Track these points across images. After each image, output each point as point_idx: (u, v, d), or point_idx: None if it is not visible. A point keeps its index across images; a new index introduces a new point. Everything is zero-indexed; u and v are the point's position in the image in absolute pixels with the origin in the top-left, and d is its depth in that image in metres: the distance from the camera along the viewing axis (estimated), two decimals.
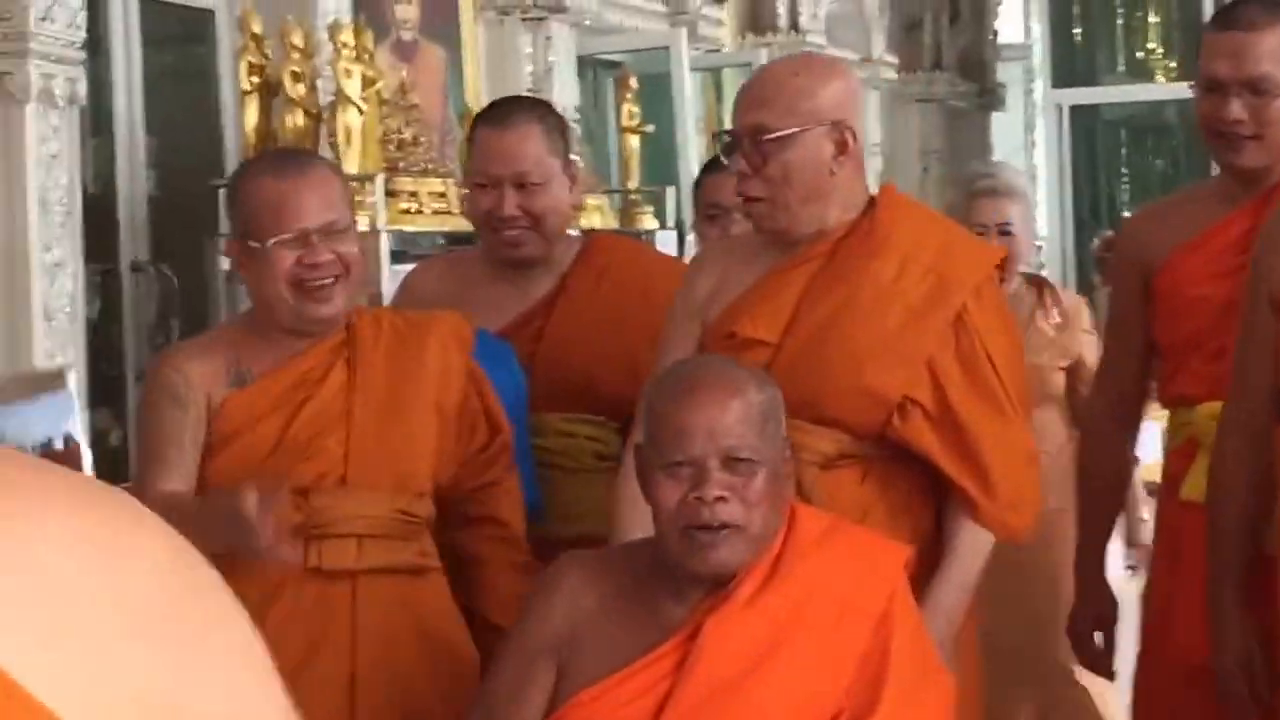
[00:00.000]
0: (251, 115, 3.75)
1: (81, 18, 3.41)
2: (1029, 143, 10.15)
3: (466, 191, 2.83)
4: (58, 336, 3.45)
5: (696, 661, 1.93)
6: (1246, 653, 2.19)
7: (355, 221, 2.41)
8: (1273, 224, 2.25)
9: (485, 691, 2.13)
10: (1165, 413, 2.59)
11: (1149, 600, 2.45)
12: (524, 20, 5.04)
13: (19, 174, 3.37)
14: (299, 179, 2.21)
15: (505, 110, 2.74)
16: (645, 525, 2.05)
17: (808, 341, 2.25)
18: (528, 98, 3.44)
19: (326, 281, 2.17)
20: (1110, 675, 2.57)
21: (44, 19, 3.31)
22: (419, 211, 4.06)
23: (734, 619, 1.95)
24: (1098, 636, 2.53)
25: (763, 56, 5.94)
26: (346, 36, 3.85)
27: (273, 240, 2.13)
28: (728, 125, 2.51)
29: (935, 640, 2.17)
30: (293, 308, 2.18)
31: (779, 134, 2.17)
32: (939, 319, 2.22)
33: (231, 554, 1.76)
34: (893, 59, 8.07)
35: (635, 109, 5.15)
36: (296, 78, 3.75)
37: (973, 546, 2.24)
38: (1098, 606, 2.50)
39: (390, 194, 3.87)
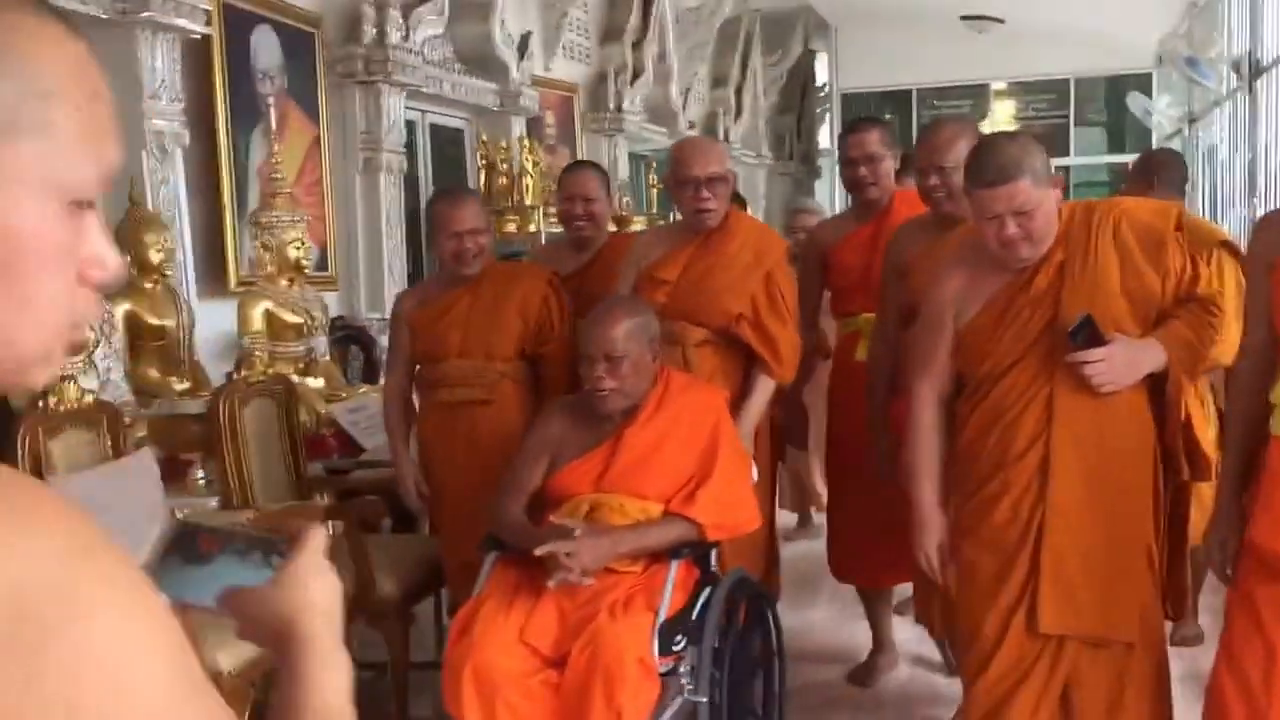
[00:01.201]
0: (481, 178, 7.69)
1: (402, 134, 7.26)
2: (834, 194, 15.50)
3: (557, 208, 4.55)
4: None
5: (619, 452, 3.21)
6: (1223, 537, 2.68)
7: (490, 225, 3.93)
8: None
9: (511, 467, 3.35)
10: None
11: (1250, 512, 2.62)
12: (605, 135, 9.30)
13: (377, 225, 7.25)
14: (459, 204, 3.82)
15: (581, 166, 4.61)
16: None
17: (691, 282, 3.70)
18: (594, 163, 5.01)
19: (470, 258, 3.77)
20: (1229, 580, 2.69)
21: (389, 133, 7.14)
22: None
23: (638, 430, 3.23)
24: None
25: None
26: (525, 143, 7.86)
27: (444, 234, 3.76)
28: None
29: (742, 434, 3.54)
30: (455, 268, 3.80)
31: (724, 175, 3.69)
32: (758, 274, 3.69)
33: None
34: (768, 154, 14.67)
35: (655, 177, 9.19)
36: (502, 161, 7.65)
37: (764, 388, 3.71)
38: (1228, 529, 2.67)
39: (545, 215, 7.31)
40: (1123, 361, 2.74)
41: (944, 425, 2.98)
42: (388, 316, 4.40)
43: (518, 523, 3.21)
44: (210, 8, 5.39)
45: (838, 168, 4.30)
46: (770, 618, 3.43)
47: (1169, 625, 3.15)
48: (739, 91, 14.02)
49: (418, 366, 3.92)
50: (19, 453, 3.10)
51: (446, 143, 8.04)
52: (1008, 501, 2.83)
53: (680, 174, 3.72)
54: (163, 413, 4.17)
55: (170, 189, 5.11)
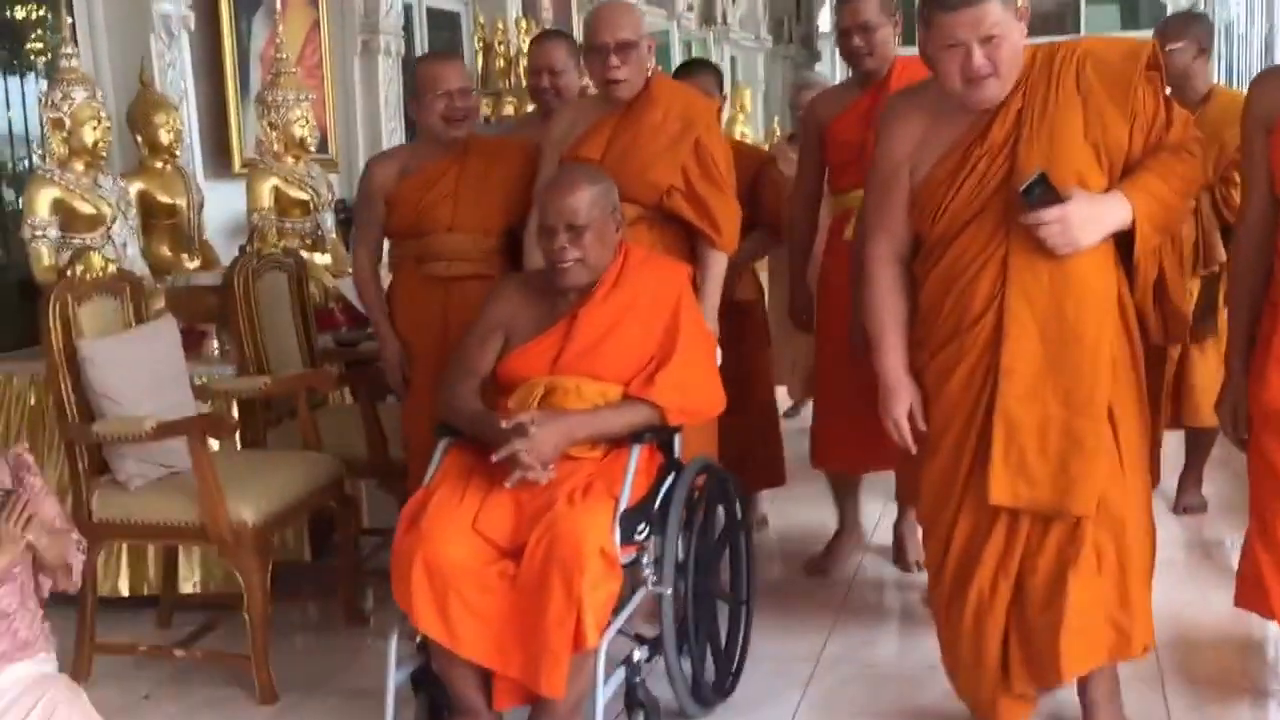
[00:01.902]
0: (479, 61, 7.77)
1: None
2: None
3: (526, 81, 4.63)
4: None
5: (575, 331, 3.02)
6: (1235, 402, 2.80)
7: (475, 93, 3.94)
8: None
9: (461, 345, 3.18)
10: None
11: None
12: None
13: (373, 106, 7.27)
14: (448, 63, 3.75)
15: (547, 36, 4.44)
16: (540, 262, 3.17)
17: (618, 156, 3.44)
18: (563, 32, 5.11)
19: (459, 119, 3.66)
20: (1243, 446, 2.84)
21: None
22: None
23: (595, 308, 3.04)
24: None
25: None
26: (522, 24, 7.93)
27: (431, 95, 3.63)
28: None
29: (708, 311, 3.43)
30: (442, 132, 3.65)
31: (635, 40, 3.44)
32: (687, 143, 3.47)
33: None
34: (767, 37, 14.44)
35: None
36: (499, 43, 7.70)
37: (717, 261, 3.53)
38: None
39: None
40: (1081, 220, 2.53)
41: (904, 287, 2.81)
42: None
43: (471, 409, 3.04)
44: None
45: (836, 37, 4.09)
46: (733, 498, 3.33)
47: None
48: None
49: (386, 239, 3.85)
50: (50, 319, 3.30)
51: (444, 26, 8.10)
52: (964, 368, 2.69)
53: (589, 40, 3.52)
54: (180, 284, 4.37)
55: (177, 72, 5.24)
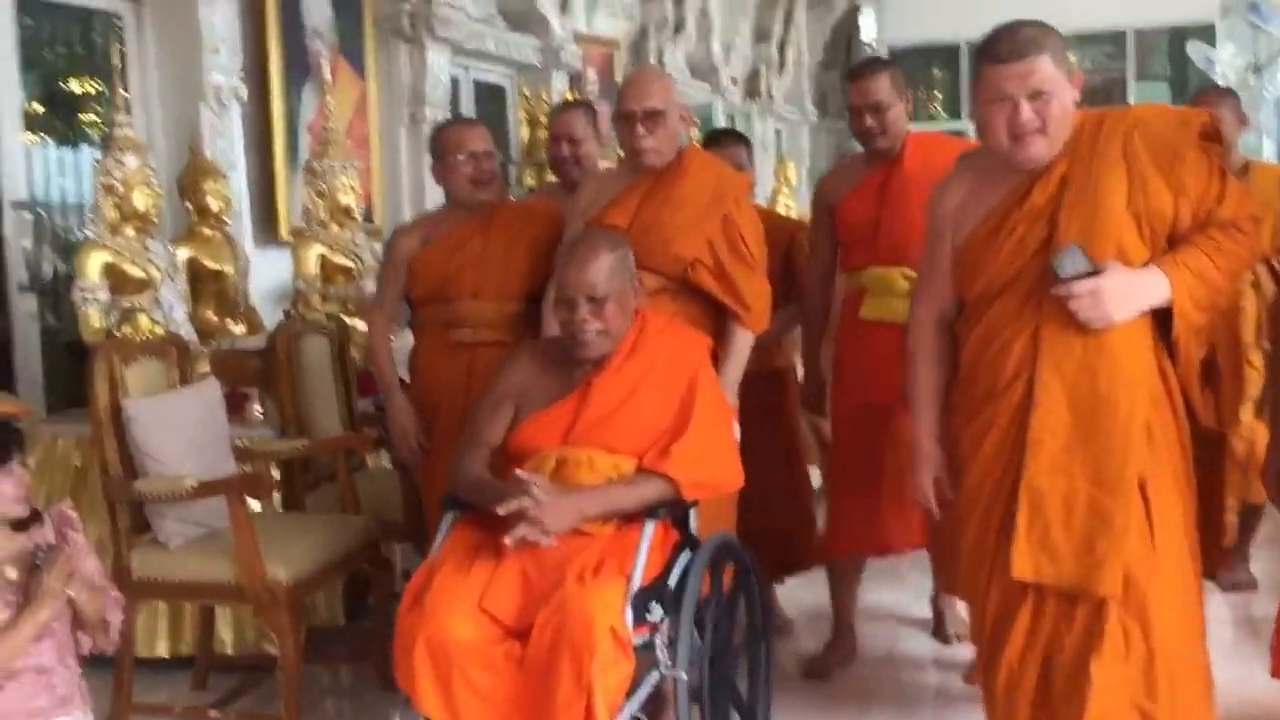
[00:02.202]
0: (524, 134, 7.87)
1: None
2: None
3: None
4: None
5: (588, 401, 2.94)
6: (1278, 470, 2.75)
7: (496, 152, 3.76)
8: None
9: (472, 415, 3.11)
10: None
11: None
12: None
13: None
14: (471, 127, 3.79)
15: (568, 106, 4.58)
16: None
17: (644, 226, 3.36)
18: (585, 102, 5.13)
19: (486, 181, 3.67)
20: None
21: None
22: None
23: (610, 377, 2.96)
24: None
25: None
26: (567, 98, 8.04)
27: (455, 157, 3.65)
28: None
29: (728, 386, 3.32)
30: (469, 195, 3.67)
31: (665, 109, 3.39)
32: (714, 216, 3.39)
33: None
34: (812, 111, 14.55)
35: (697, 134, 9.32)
36: (543, 116, 7.80)
37: (742, 338, 3.42)
38: None
39: None
40: (1114, 294, 2.47)
41: (943, 353, 2.78)
42: None
43: (478, 478, 2.95)
44: None
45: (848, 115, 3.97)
46: (755, 586, 3.19)
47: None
48: (782, 47, 14.10)
49: (410, 305, 3.83)
50: (96, 378, 3.36)
51: (489, 99, 8.24)
52: (995, 435, 2.62)
53: (618, 108, 3.46)
54: (224, 348, 4.44)
55: (227, 141, 5.37)
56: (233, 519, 3.29)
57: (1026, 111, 2.49)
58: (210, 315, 4.92)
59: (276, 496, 3.99)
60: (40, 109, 5.32)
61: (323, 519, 3.81)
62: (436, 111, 7.00)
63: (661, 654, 2.75)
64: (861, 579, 4.08)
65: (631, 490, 2.86)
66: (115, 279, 4.23)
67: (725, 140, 4.47)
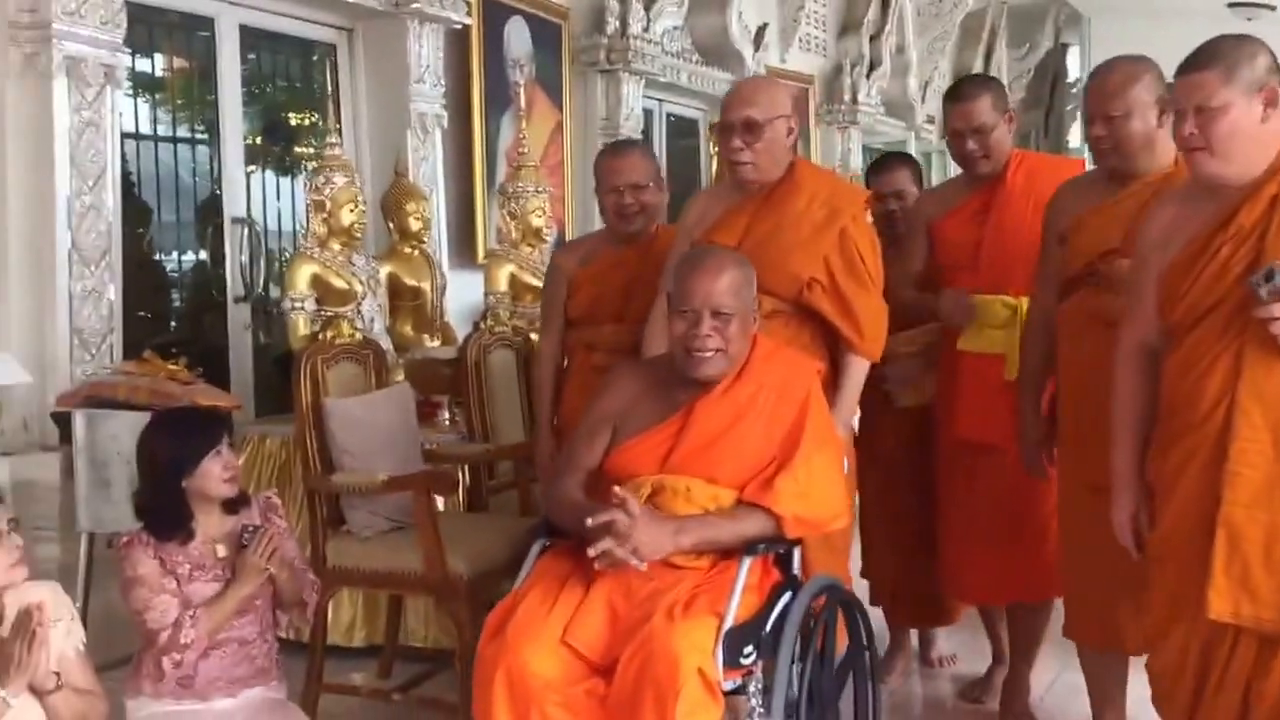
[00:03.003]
0: (714, 167, 8.01)
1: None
2: None
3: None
4: None
5: (689, 427, 2.77)
6: None
7: (661, 186, 3.64)
8: None
9: (570, 441, 3.02)
10: None
11: None
12: (840, 128, 9.43)
13: None
14: (624, 156, 3.64)
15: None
16: (664, 345, 2.94)
17: (755, 244, 3.17)
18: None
19: (630, 214, 3.58)
20: None
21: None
22: None
23: (714, 403, 2.79)
24: None
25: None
26: None
27: (603, 189, 3.60)
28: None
29: (841, 419, 3.16)
30: (615, 226, 3.63)
31: (764, 120, 3.16)
32: (831, 233, 3.21)
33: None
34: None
35: None
36: None
37: (858, 367, 3.25)
38: None
39: None
40: None
41: (1149, 381, 2.64)
42: None
43: (573, 501, 2.79)
44: (471, 2, 5.92)
45: (946, 140, 3.77)
46: (862, 632, 2.96)
47: None
48: (1049, 114, 13.96)
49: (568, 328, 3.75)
50: (301, 377, 3.60)
51: (682, 132, 8.42)
52: (1194, 468, 2.48)
53: (721, 118, 3.28)
54: (418, 357, 4.66)
55: (429, 165, 5.67)
56: (417, 513, 3.46)
57: (1188, 125, 2.45)
58: (407, 330, 5.17)
59: (462, 497, 4.15)
60: (259, 139, 5.72)
61: (503, 519, 3.95)
62: None
63: (755, 700, 2.56)
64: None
65: (730, 523, 2.69)
66: (321, 290, 4.51)
67: (890, 162, 4.22)
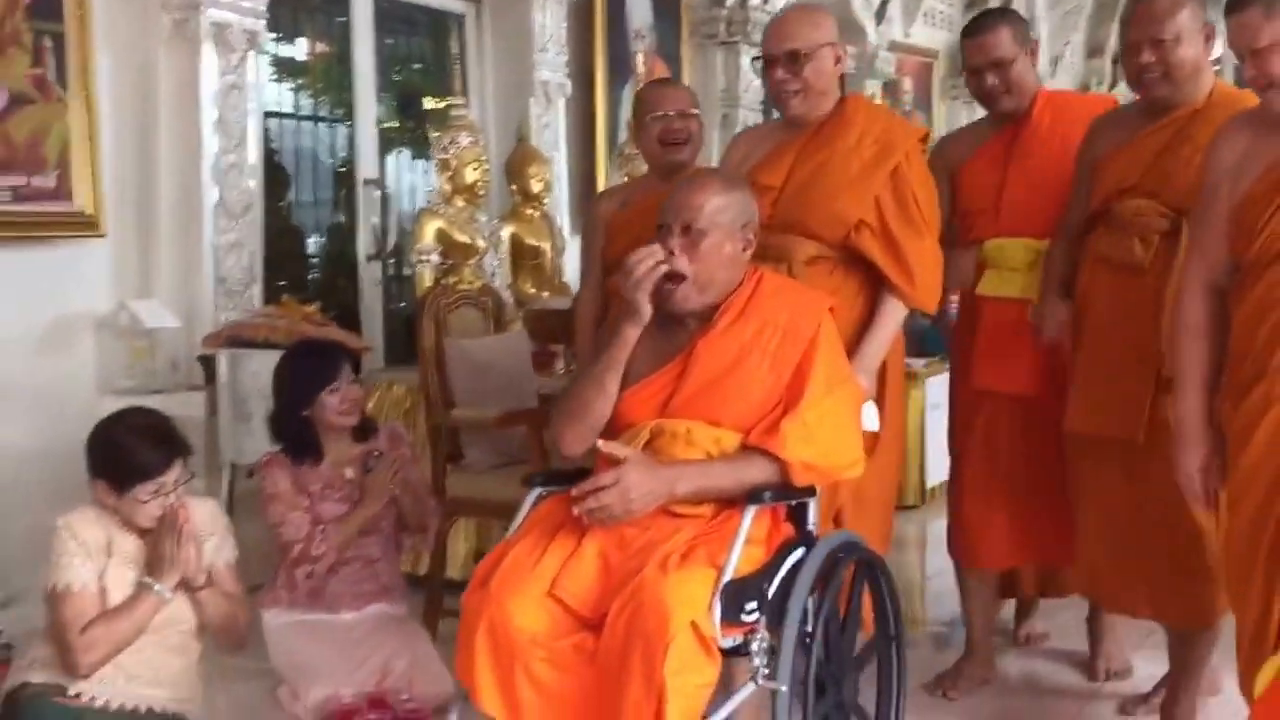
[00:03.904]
0: None
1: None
2: None
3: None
4: None
5: (691, 368, 2.56)
6: None
7: (701, 122, 3.48)
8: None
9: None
10: None
11: None
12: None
13: None
14: (668, 87, 3.74)
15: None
16: None
17: (800, 185, 3.00)
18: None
19: (679, 142, 3.37)
20: None
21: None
22: None
23: (715, 342, 2.56)
24: None
25: None
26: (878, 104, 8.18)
27: (649, 117, 3.39)
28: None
29: (862, 366, 2.90)
30: (660, 156, 3.41)
31: (807, 50, 2.99)
32: (883, 171, 2.98)
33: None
34: None
35: None
36: None
37: (893, 314, 3.01)
38: None
39: None
40: None
41: (1216, 322, 2.53)
42: None
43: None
44: None
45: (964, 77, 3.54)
46: (888, 596, 2.76)
47: None
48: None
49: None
50: (424, 320, 3.83)
51: None
52: (1272, 417, 2.37)
53: (763, 51, 3.11)
54: (535, 307, 4.87)
55: (552, 131, 5.87)
56: (531, 447, 3.65)
57: (1250, 68, 2.42)
58: (528, 287, 5.38)
59: None
60: (393, 116, 6.00)
61: None
62: (748, 113, 7.30)
63: (758, 661, 2.36)
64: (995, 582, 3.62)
65: (731, 468, 2.50)
66: (445, 244, 4.75)
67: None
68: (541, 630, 2.34)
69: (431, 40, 6.05)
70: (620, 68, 6.48)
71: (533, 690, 2.31)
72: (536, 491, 2.67)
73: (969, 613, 3.60)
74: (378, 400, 4.58)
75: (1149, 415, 2.89)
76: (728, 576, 2.33)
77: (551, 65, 5.87)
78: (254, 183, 4.60)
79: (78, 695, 2.54)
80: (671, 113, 3.40)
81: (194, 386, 4.29)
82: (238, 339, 4.11)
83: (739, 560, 2.36)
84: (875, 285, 3.04)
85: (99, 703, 2.55)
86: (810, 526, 2.64)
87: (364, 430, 3.20)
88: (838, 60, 3.08)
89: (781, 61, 3.04)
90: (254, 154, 4.61)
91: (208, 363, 4.22)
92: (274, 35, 4.78)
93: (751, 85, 7.33)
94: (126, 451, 2.61)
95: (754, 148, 3.20)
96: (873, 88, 8.67)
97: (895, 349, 3.13)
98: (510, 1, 5.73)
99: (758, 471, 2.49)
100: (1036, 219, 3.31)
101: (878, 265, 3.00)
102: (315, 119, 5.69)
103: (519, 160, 5.40)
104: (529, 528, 2.55)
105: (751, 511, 2.44)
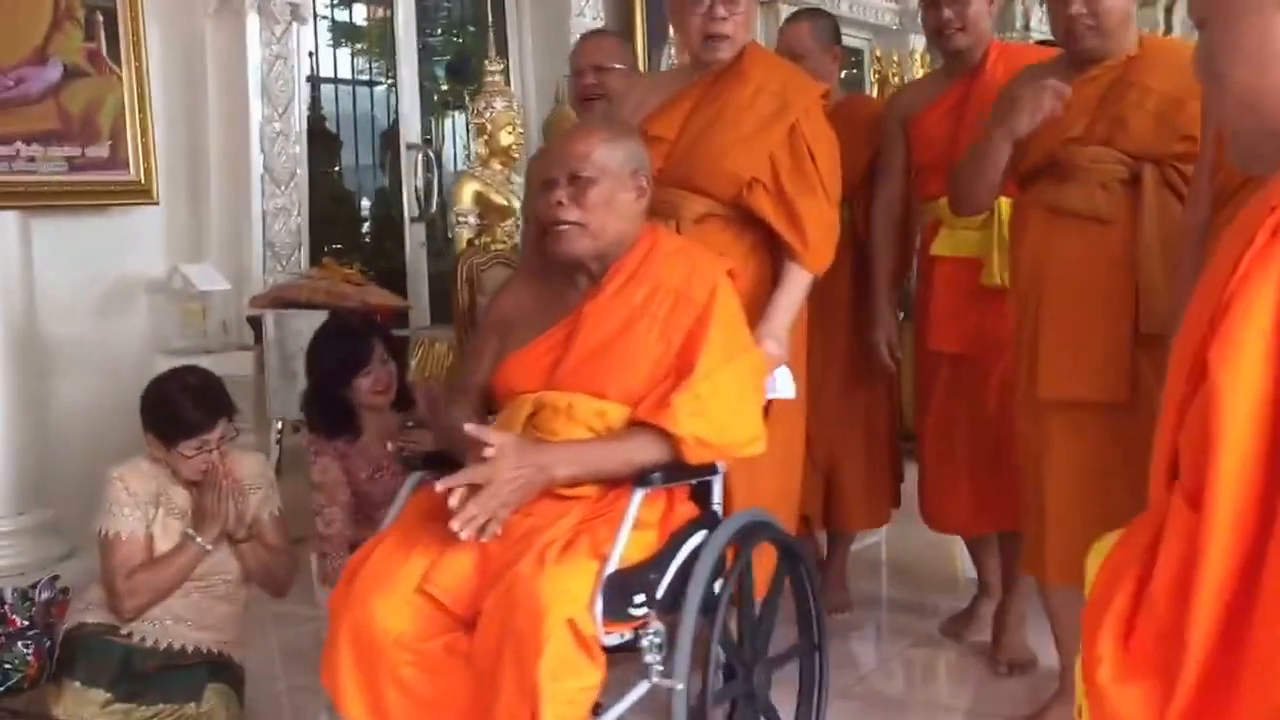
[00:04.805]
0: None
1: None
2: None
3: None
4: None
5: (576, 333, 2.36)
6: None
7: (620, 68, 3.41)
8: None
9: (463, 361, 2.74)
10: None
11: None
12: None
13: None
14: (595, 40, 3.61)
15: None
16: None
17: (692, 138, 2.82)
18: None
19: (591, 99, 3.35)
20: None
21: None
22: None
23: (603, 305, 2.37)
24: None
25: None
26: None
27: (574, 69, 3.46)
28: None
29: (770, 331, 2.69)
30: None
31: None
32: (780, 127, 2.80)
33: None
34: None
35: None
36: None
37: (796, 279, 2.82)
38: None
39: None
40: None
41: None
42: None
43: (455, 429, 2.31)
44: None
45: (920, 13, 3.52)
46: (807, 581, 2.56)
47: None
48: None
49: None
50: (459, 279, 3.99)
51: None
52: None
53: None
54: None
55: None
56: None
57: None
58: None
59: None
60: (438, 80, 6.14)
61: None
62: None
63: (651, 657, 2.16)
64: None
65: (617, 447, 2.27)
66: (483, 206, 4.90)
67: (802, 18, 3.78)
68: (409, 631, 2.15)
69: (472, 3, 6.17)
70: (659, 31, 6.54)
71: (400, 695, 2.13)
72: (416, 476, 2.44)
73: (976, 551, 3.61)
74: (421, 357, 4.75)
75: (1129, 373, 2.73)
76: (611, 568, 2.13)
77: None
78: (299, 149, 4.77)
79: (129, 635, 2.73)
80: (587, 68, 3.37)
81: (243, 346, 4.49)
82: (282, 300, 4.29)
83: (627, 548, 2.16)
84: (768, 247, 2.87)
85: (149, 642, 2.74)
86: (715, 506, 2.45)
87: (402, 400, 3.25)
88: (753, 11, 2.93)
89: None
90: (299, 123, 4.77)
91: (255, 323, 4.40)
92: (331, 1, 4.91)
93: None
94: (175, 408, 2.77)
95: (648, 95, 2.98)
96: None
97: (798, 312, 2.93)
98: None
99: (647, 450, 2.27)
100: None
101: (771, 224, 2.82)
102: (359, 83, 5.84)
103: (556, 123, 5.51)
104: (402, 518, 2.33)
105: (639, 495, 2.21)
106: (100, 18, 4.17)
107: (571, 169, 2.37)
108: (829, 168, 2.85)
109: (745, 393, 2.41)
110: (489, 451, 2.14)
